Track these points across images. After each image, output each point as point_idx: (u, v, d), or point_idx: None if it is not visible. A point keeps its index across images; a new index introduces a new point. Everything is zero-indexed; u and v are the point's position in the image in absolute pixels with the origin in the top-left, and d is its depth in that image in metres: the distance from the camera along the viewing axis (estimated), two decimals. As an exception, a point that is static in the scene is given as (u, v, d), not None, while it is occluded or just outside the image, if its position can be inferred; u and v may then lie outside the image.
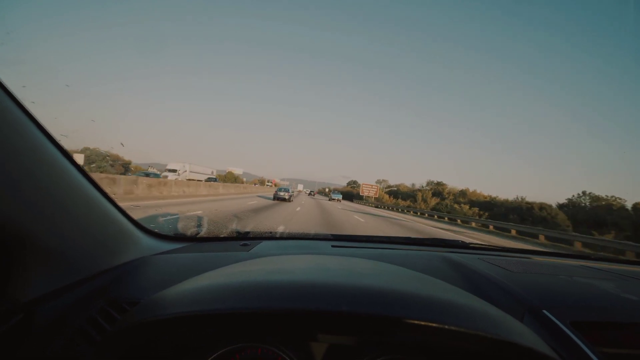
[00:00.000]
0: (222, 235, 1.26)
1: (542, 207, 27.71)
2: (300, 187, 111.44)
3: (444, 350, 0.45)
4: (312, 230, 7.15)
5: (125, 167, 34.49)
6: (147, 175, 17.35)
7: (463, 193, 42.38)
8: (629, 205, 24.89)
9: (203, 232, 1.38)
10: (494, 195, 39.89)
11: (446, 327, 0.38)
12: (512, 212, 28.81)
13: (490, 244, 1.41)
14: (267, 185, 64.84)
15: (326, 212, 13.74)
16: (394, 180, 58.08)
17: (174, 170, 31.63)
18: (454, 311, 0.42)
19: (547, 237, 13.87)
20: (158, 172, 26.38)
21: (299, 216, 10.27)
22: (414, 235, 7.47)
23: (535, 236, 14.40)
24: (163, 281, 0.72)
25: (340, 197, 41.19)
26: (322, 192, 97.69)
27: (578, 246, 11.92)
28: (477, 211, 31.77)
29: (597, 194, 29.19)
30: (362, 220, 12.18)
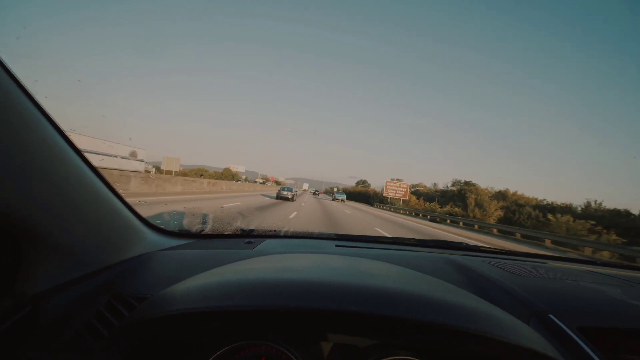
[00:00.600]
0: (226, 233, 1.26)
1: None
2: (305, 186, 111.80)
3: (449, 353, 0.45)
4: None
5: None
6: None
7: (503, 195, 32.06)
8: None
9: (208, 229, 1.39)
10: (540, 197, 29.15)
11: (455, 329, 0.38)
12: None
13: (495, 247, 1.40)
14: (259, 182, 57.32)
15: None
16: (408, 180, 48.88)
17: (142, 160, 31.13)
18: (463, 313, 0.42)
19: None
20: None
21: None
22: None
23: None
24: (168, 277, 0.72)
25: (344, 197, 41.34)
26: (328, 192, 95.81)
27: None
28: (589, 227, 16.30)
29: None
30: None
